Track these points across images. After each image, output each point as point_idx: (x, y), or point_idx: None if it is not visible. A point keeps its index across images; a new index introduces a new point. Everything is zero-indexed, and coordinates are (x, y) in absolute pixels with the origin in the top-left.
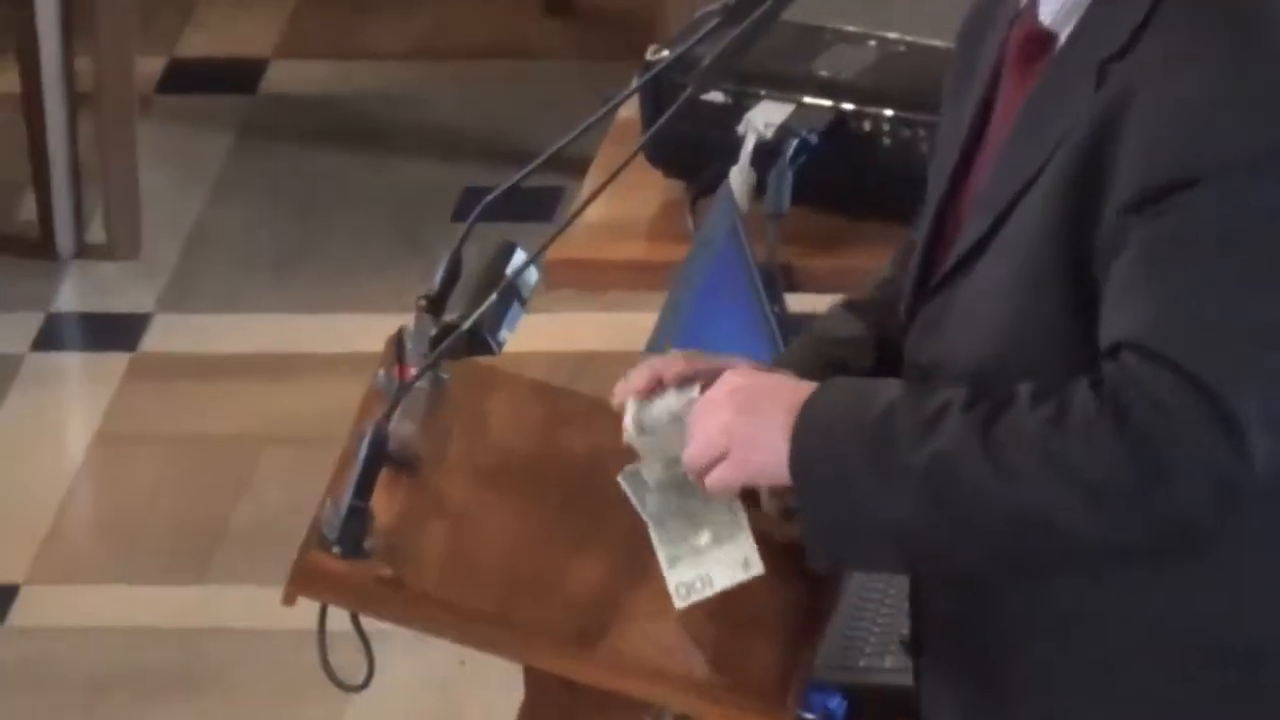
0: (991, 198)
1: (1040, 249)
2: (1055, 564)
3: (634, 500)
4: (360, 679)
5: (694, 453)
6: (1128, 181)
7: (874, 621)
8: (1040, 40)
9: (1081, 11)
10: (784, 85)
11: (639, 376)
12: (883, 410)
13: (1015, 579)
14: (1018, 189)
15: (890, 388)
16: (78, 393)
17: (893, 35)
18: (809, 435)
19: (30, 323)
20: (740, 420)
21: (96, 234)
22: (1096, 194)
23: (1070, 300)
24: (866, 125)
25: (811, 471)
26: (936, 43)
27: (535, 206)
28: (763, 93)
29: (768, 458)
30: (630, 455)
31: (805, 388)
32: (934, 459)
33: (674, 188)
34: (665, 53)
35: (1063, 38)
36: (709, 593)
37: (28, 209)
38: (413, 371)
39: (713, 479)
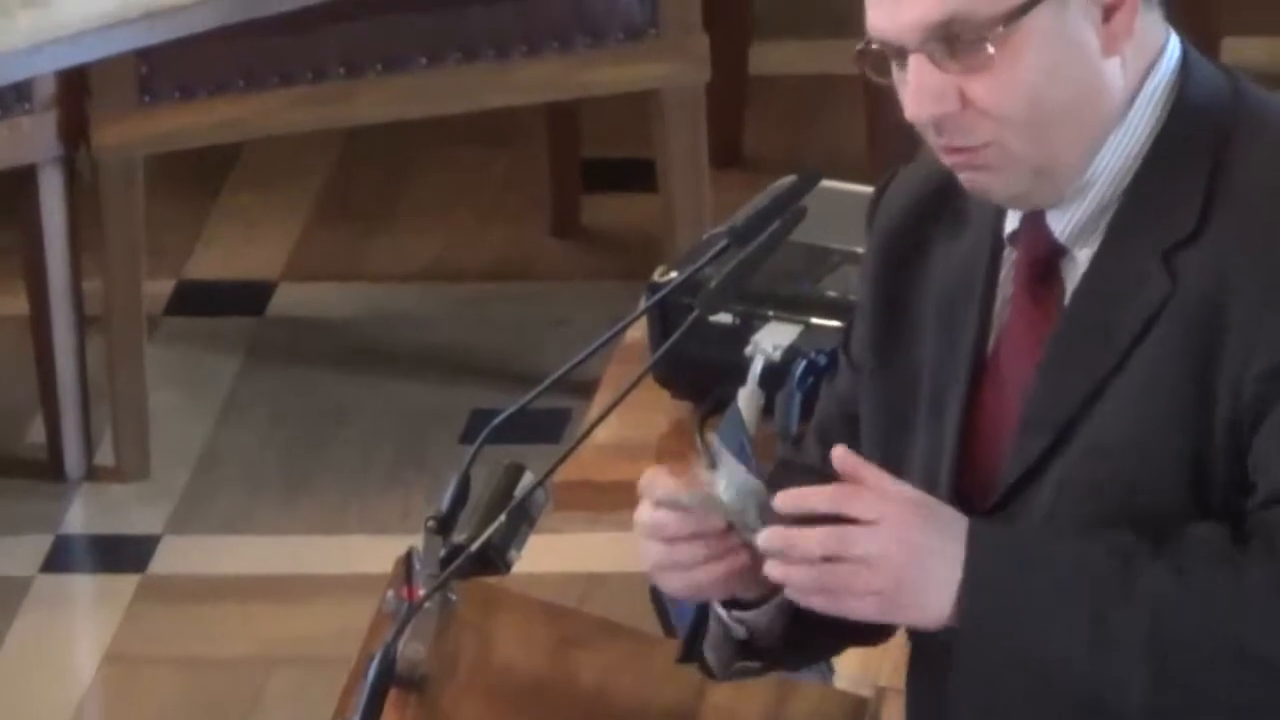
0: (1044, 416)
1: (1145, 443)
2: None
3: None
4: None
5: (849, 575)
6: (1266, 350)
7: None
8: (1048, 260)
9: (1108, 218)
10: (791, 307)
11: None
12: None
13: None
14: (1081, 399)
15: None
16: (86, 614)
17: None
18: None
19: (39, 545)
20: (910, 565)
21: (105, 456)
22: (1211, 376)
23: (1184, 477)
24: None
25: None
26: None
27: (543, 428)
28: (770, 314)
29: (926, 615)
30: (639, 686)
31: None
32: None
33: (682, 408)
34: (673, 274)
35: (1080, 252)
36: None
37: (36, 431)
38: (421, 592)
39: (851, 609)
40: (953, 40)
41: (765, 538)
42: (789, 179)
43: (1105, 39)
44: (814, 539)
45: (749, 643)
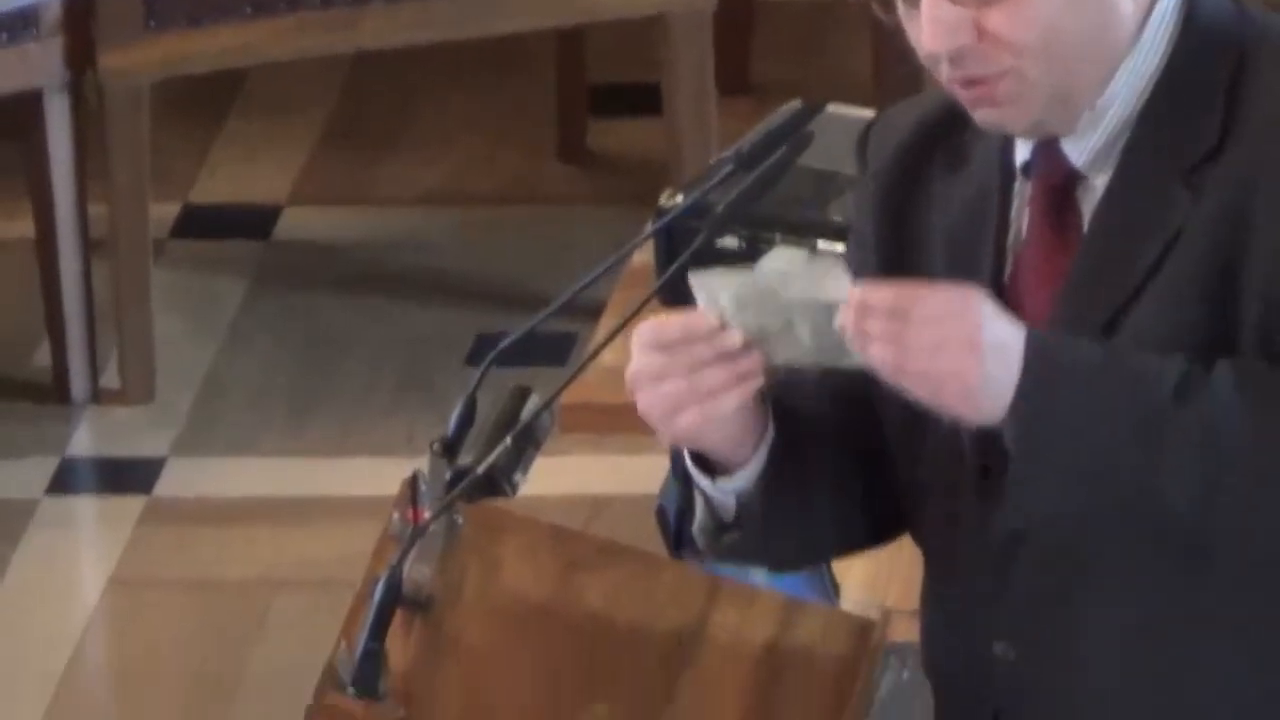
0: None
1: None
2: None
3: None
4: None
5: (921, 351)
6: None
7: None
8: (1065, 187)
9: (1122, 143)
10: (798, 231)
11: None
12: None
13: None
14: (1105, 321)
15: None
16: (92, 537)
17: None
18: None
19: (45, 467)
20: (971, 356)
21: (111, 379)
22: (1237, 288)
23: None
24: None
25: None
26: None
27: (549, 352)
28: (777, 238)
29: (979, 407)
30: (645, 608)
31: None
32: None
33: None
34: (679, 198)
35: (1097, 179)
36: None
37: (42, 354)
38: (427, 515)
39: (911, 387)
40: None
41: (852, 292)
42: (795, 104)
43: None
44: (884, 294)
45: (735, 524)
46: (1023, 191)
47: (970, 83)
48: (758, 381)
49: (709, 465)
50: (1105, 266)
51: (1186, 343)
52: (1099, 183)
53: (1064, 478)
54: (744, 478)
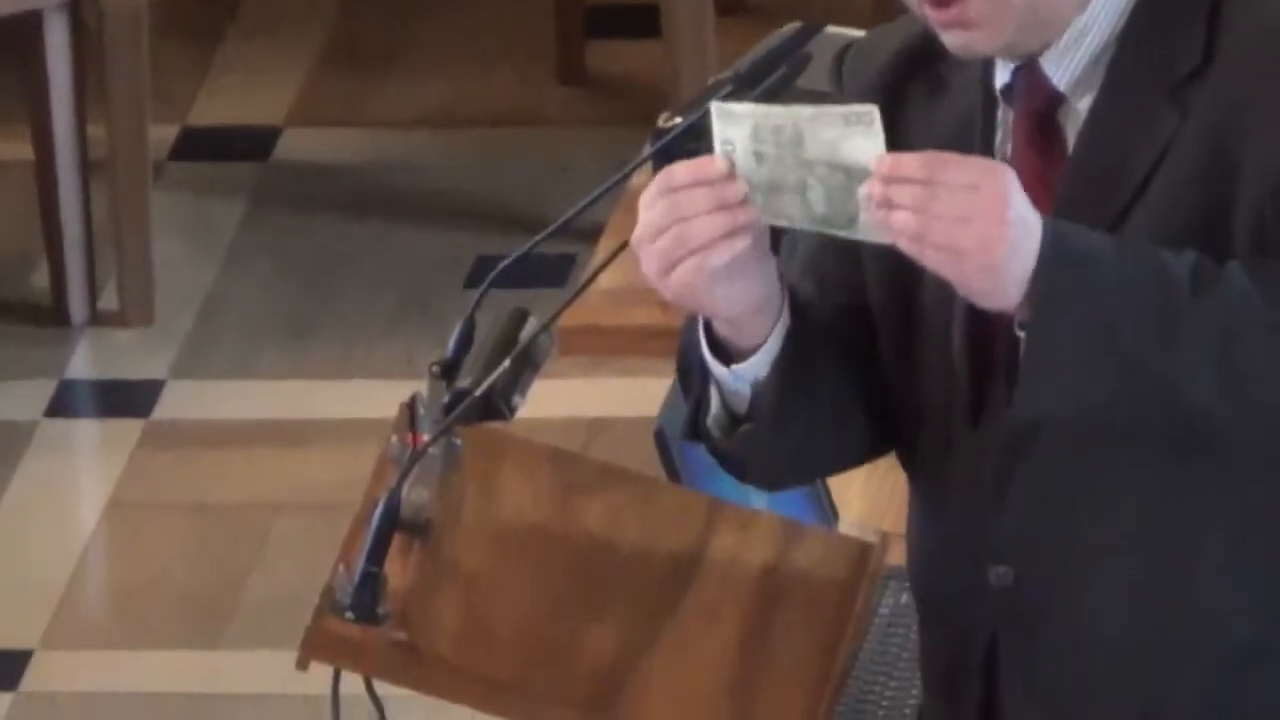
0: None
1: None
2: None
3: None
4: None
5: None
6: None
7: (887, 685)
8: (1046, 110)
9: (1105, 63)
10: None
11: None
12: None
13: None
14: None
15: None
16: (90, 459)
17: None
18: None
19: (43, 390)
20: (1015, 223)
21: (109, 301)
22: (1228, 201)
23: None
24: None
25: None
26: None
27: (548, 274)
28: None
29: (998, 286)
30: (644, 530)
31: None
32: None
33: None
34: (678, 120)
35: (1080, 100)
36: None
37: (40, 276)
38: (426, 438)
39: (932, 258)
40: None
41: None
42: (794, 25)
43: None
44: (914, 161)
45: (748, 415)
46: (1005, 118)
47: (941, 4)
48: (747, 240)
49: (726, 354)
50: (1093, 187)
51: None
52: (1082, 105)
53: (1077, 369)
54: (760, 363)
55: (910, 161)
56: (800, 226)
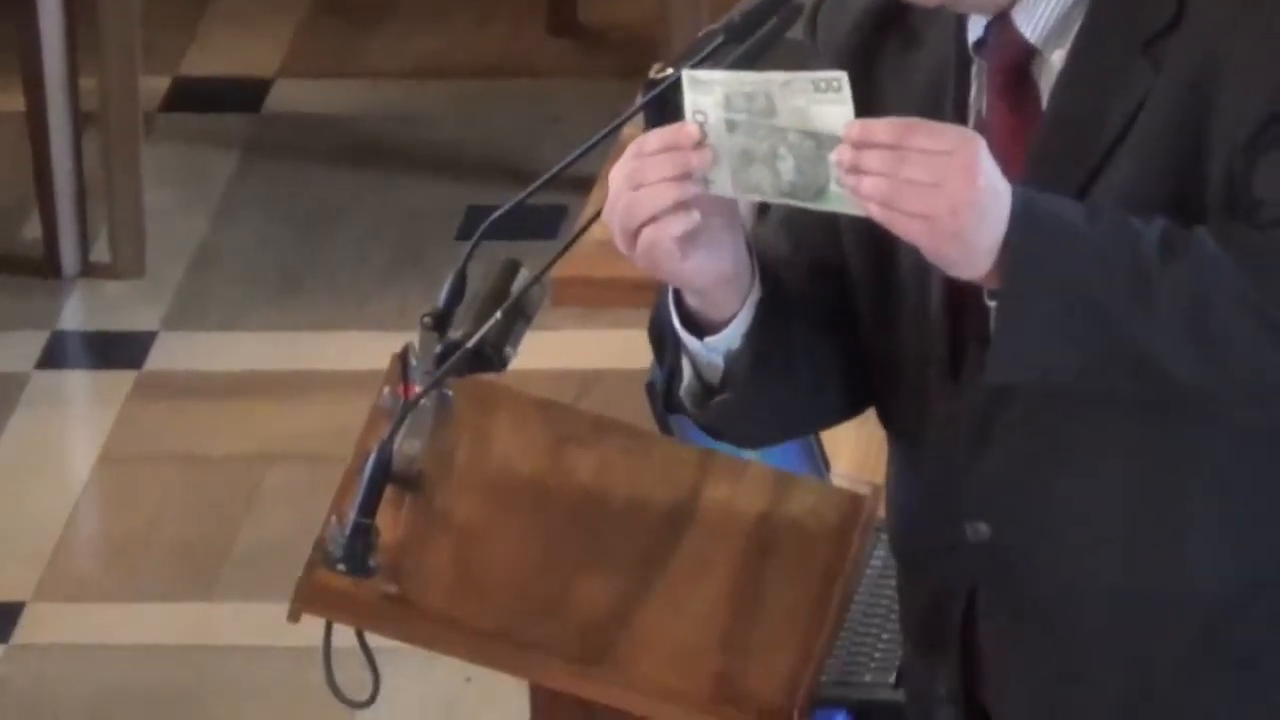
0: None
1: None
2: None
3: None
4: (366, 696)
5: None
6: (1256, 111)
7: (878, 639)
8: (1019, 65)
9: (1078, 16)
10: None
11: None
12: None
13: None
14: (1072, 194)
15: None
16: (82, 411)
17: None
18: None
19: (35, 341)
20: (985, 190)
21: (101, 253)
22: (1203, 155)
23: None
24: None
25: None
26: None
27: (540, 225)
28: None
29: (970, 254)
30: (635, 482)
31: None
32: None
33: None
34: (669, 71)
35: (1053, 54)
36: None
37: (32, 228)
38: (417, 389)
39: (904, 227)
40: None
41: (847, 127)
42: None
43: None
44: (884, 127)
45: (722, 386)
46: (980, 73)
47: None
48: (694, 219)
49: (698, 327)
50: (1068, 141)
51: (1153, 212)
52: (1055, 58)
53: (1048, 337)
54: (732, 335)
55: (880, 127)
56: (771, 199)
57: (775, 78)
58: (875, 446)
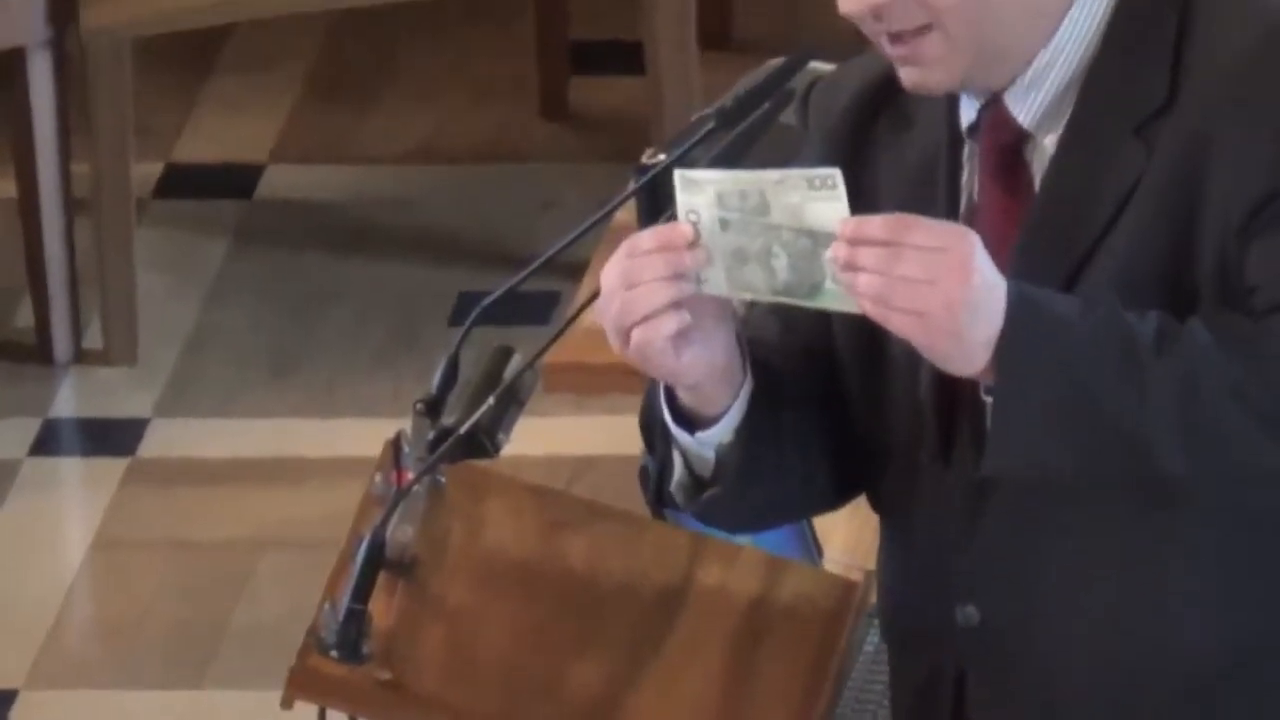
0: None
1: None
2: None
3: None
4: None
5: (916, 277)
6: (1245, 194)
7: (880, 703)
8: (1012, 147)
9: (1070, 100)
10: None
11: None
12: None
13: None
14: (1063, 277)
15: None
16: (75, 498)
17: None
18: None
19: (27, 428)
20: (980, 287)
21: (94, 339)
22: (1194, 240)
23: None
24: None
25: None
26: None
27: (532, 310)
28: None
29: (964, 351)
30: (628, 567)
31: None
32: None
33: None
34: (661, 156)
35: (1046, 137)
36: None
37: (24, 314)
38: (410, 476)
39: (899, 324)
40: None
41: (843, 224)
42: (778, 61)
43: None
44: (879, 223)
45: (713, 480)
46: (972, 155)
47: (896, 39)
48: (686, 318)
49: (689, 421)
50: (1060, 224)
51: (1146, 296)
52: (1048, 141)
53: (1045, 433)
54: (724, 429)
55: (875, 224)
56: (765, 298)
57: (769, 176)
58: (868, 532)
